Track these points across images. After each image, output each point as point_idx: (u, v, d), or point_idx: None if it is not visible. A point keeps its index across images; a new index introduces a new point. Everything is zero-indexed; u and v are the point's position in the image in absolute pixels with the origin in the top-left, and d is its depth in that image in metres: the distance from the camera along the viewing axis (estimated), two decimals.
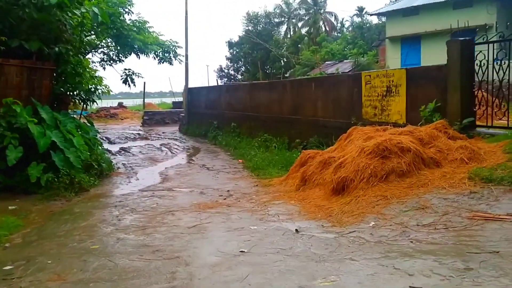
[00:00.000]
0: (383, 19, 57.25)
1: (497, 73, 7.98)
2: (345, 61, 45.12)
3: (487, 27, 20.45)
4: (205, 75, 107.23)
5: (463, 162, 6.72)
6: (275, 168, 12.07)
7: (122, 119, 34.50)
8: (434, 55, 21.78)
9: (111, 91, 13.70)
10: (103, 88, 13.72)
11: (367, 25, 57.94)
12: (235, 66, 64.07)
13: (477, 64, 8.33)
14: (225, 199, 8.38)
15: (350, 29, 64.79)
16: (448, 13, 21.42)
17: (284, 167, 12.19)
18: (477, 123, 8.49)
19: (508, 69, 7.80)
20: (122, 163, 14.20)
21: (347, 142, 8.41)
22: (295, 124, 14.36)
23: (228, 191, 9.48)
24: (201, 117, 22.63)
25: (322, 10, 65.49)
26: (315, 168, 7.79)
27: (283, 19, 67.23)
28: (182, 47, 19.75)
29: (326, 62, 47.66)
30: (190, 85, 25.16)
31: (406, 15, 23.62)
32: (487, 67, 8.11)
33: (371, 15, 38.78)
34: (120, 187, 10.85)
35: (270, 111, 16.04)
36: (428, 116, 8.98)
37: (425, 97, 9.27)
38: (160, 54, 17.69)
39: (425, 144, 7.12)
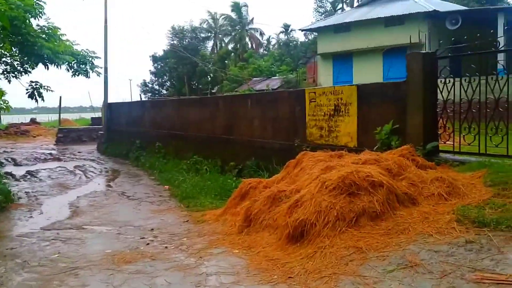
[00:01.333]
0: (310, 36, 57.81)
1: (465, 91, 6.97)
2: (273, 77, 44.62)
3: (408, 44, 20.24)
4: (128, 90, 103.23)
5: (442, 198, 5.53)
6: (208, 197, 10.49)
7: (35, 137, 31.29)
8: (366, 73, 21.33)
9: (11, 107, 11.49)
10: (1, 103, 11.51)
11: (294, 43, 58.16)
12: (160, 80, 61.88)
13: (441, 81, 7.29)
14: (148, 244, 6.66)
15: (276, 46, 64.91)
16: (379, 31, 21.06)
17: (219, 195, 10.65)
18: (440, 147, 7.44)
19: (478, 86, 6.79)
20: (26, 192, 11.95)
21: (298, 171, 7.02)
22: (229, 145, 12.87)
23: (152, 229, 7.78)
24: (122, 135, 20.54)
25: (248, 27, 65.10)
26: (262, 204, 6.29)
27: (209, 34, 66.06)
28: (100, 58, 17.76)
29: (254, 79, 46.94)
30: (111, 100, 22.97)
31: (337, 31, 23.06)
32: (454, 84, 7.09)
33: (303, 30, 38.47)
34: (18, 224, 8.80)
35: (201, 130, 14.44)
36: (385, 140, 7.84)
37: (380, 117, 8.14)
38: (75, 65, 15.63)
39: (395, 176, 5.87)
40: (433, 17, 19.79)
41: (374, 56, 21.03)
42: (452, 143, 7.30)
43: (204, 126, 14.28)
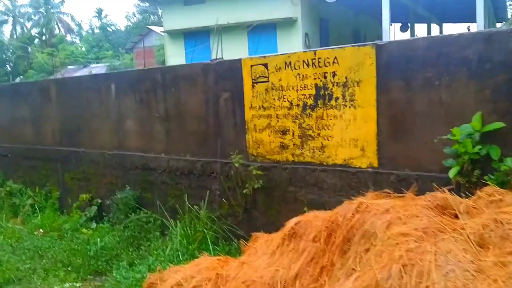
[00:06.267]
0: (133, 19, 51.33)
1: None
2: (93, 65, 37.86)
3: (278, 20, 16.76)
4: None
5: None
6: (52, 276, 5.12)
7: None
8: (228, 53, 17.03)
9: None
10: None
11: (112, 27, 51.21)
12: None
13: None
14: None
15: (90, 31, 56.78)
16: (243, 3, 16.77)
17: (74, 268, 5.35)
18: None
19: None
20: None
21: (375, 265, 2.32)
22: (73, 163, 7.34)
23: None
24: None
25: (56, 10, 55.58)
26: None
27: (6, 17, 54.69)
28: None
29: (69, 67, 39.46)
30: None
31: (188, 3, 18.09)
32: None
33: (144, 1, 32.31)
34: None
35: (17, 138, 8.46)
36: (473, 154, 3.61)
37: (441, 107, 3.89)
38: None
39: None
40: None
41: (237, 34, 16.78)
42: None
43: (22, 132, 8.34)
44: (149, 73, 6.25)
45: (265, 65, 4.97)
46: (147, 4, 45.86)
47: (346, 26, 19.34)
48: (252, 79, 5.08)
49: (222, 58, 5.96)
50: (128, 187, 6.37)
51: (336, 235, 2.72)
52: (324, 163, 4.63)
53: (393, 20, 17.50)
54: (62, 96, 7.54)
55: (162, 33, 20.61)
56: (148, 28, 32.67)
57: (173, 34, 18.76)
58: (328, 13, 17.61)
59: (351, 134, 4.42)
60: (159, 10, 47.54)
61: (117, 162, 6.66)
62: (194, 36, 18.24)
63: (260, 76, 5.02)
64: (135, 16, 48.04)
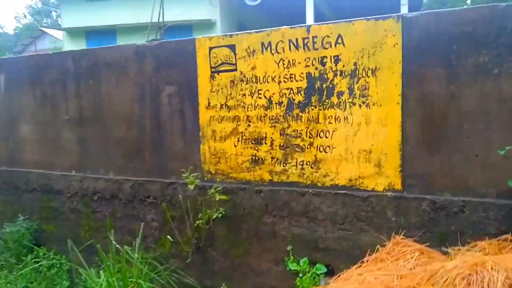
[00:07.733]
0: (24, 21, 46.41)
1: None
2: None
3: (195, 21, 15.40)
4: None
5: None
6: None
7: None
8: None
9: None
10: None
11: None
12: None
13: None
14: None
15: None
16: (156, 2, 15.08)
17: None
18: None
19: None
20: None
21: None
22: None
23: None
24: None
25: None
26: None
27: None
28: None
29: None
30: None
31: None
32: None
33: None
34: None
35: None
36: None
37: (508, 100, 2.75)
38: None
39: None
40: None
41: (151, 35, 15.04)
42: None
43: None
44: (55, 59, 4.46)
45: (232, 48, 3.54)
46: (40, 5, 41.92)
47: None
48: (212, 67, 3.61)
49: (164, 39, 4.36)
50: (22, 217, 4.52)
51: None
52: (319, 184, 3.29)
53: None
54: None
55: (60, 32, 18.02)
56: (41, 30, 29.33)
57: (73, 32, 16.37)
58: (247, 18, 16.54)
59: (361, 144, 3.13)
60: (53, 12, 43.67)
61: (5, 182, 4.77)
62: (98, 36, 16.05)
63: (223, 63, 3.57)
64: (25, 18, 43.47)
